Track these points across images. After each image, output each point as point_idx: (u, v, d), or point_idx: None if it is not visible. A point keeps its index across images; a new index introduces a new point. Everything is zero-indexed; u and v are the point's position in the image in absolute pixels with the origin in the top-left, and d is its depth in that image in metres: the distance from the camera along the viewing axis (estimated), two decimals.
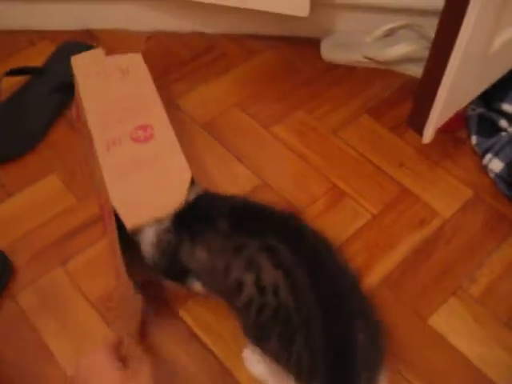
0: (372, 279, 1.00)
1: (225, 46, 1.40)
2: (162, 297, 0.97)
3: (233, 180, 1.14)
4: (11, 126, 1.19)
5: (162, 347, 0.92)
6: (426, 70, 0.98)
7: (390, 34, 1.31)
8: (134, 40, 1.41)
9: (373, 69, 1.33)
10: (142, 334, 0.93)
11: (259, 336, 0.79)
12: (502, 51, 1.03)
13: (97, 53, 1.13)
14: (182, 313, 0.95)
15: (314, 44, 1.37)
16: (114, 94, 1.04)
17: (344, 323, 0.73)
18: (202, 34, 1.42)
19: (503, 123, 1.17)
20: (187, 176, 0.93)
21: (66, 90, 1.17)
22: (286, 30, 1.39)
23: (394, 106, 1.25)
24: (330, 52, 1.35)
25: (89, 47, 1.30)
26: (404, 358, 0.91)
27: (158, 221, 0.86)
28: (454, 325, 0.95)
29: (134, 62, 1.11)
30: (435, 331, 0.94)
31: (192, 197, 0.90)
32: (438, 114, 0.99)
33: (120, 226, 0.88)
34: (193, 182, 0.93)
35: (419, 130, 1.03)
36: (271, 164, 1.16)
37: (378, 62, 1.31)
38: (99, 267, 1.01)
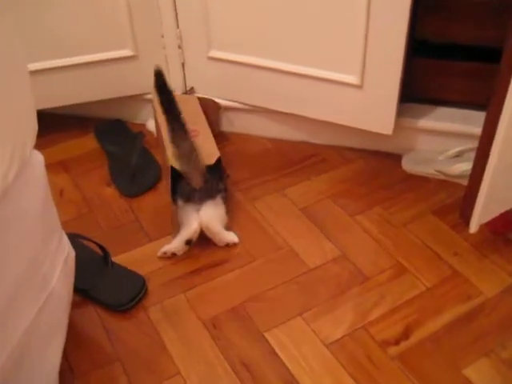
0: (420, 335, 1.26)
1: (326, 154, 1.77)
2: None
3: (320, 251, 1.46)
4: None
5: None
6: (471, 178, 1.29)
7: (458, 154, 1.64)
8: (254, 142, 1.83)
9: (442, 180, 1.65)
10: None
11: None
12: None
13: None
14: None
15: (396, 157, 1.73)
16: None
17: None
18: (309, 143, 1.82)
19: None
20: (216, 153, 1.51)
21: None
22: (375, 145, 1.75)
23: (455, 209, 1.54)
24: (409, 165, 1.68)
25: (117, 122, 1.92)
26: None
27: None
28: (484, 378, 1.19)
29: (192, 99, 1.75)
30: (468, 381, 1.18)
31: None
32: (480, 212, 1.29)
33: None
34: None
35: (467, 223, 1.32)
36: (351, 242, 1.48)
37: (447, 175, 1.62)
38: (211, 298, 1.35)
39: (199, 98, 1.76)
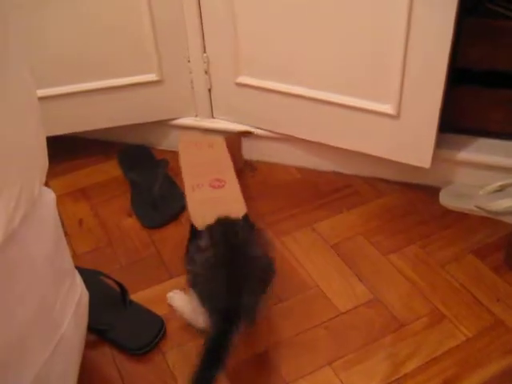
0: None
1: (358, 185, 1.68)
2: None
3: (350, 292, 1.36)
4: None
5: None
6: None
7: (500, 189, 1.53)
8: (282, 171, 1.75)
9: (482, 217, 1.54)
10: None
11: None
12: None
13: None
14: None
15: (433, 191, 1.62)
16: (202, 158, 1.52)
17: None
18: (340, 174, 1.72)
19: None
20: (242, 210, 1.29)
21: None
22: (411, 178, 1.65)
23: (497, 250, 1.43)
24: (447, 200, 1.58)
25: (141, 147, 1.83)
26: None
27: None
28: None
29: (219, 141, 1.58)
30: None
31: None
32: None
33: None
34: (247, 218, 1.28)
35: None
36: (384, 284, 1.38)
37: (488, 212, 1.51)
38: None
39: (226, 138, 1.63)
